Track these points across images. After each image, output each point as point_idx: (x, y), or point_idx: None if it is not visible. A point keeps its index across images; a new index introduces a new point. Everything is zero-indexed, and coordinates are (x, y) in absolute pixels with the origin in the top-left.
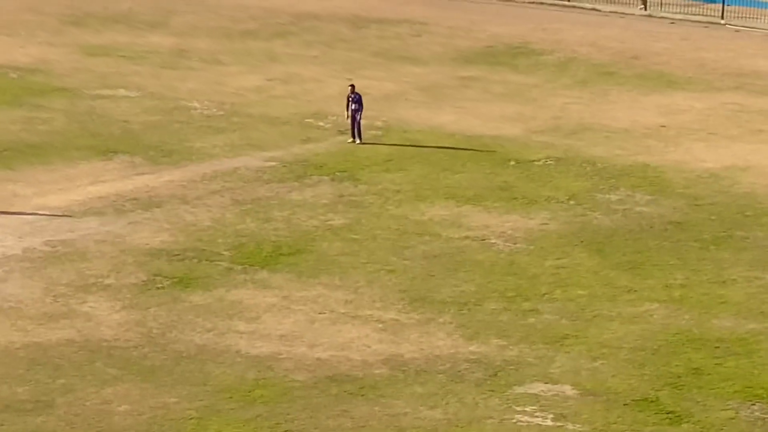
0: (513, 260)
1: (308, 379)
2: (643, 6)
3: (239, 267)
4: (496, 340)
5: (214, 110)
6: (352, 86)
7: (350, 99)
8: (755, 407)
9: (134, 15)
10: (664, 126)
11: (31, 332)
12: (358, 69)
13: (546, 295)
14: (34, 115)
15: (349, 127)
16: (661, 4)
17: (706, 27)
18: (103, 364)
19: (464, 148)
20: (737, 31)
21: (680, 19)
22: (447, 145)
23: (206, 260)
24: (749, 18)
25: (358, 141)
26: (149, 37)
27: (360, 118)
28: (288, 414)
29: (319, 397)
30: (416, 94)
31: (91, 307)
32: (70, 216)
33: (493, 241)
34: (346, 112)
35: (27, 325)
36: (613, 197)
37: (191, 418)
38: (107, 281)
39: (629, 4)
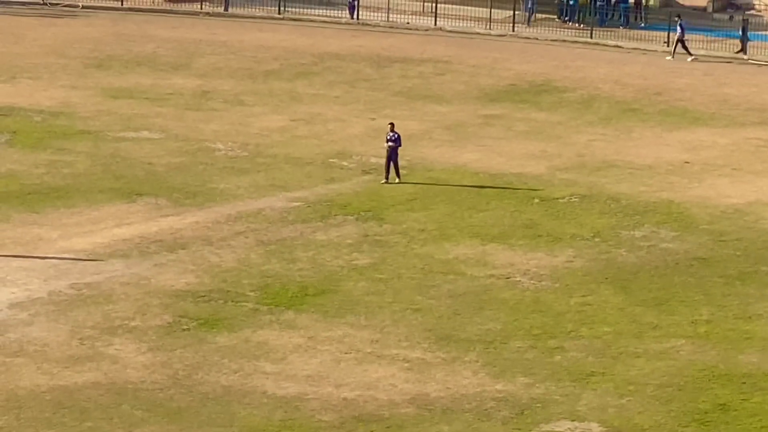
0: (538, 298)
1: (335, 419)
2: (666, 42)
3: (265, 308)
4: (522, 378)
5: (238, 151)
6: (392, 124)
7: (388, 138)
8: None
9: (157, 57)
10: (688, 162)
11: (57, 375)
12: (381, 108)
13: (572, 333)
14: (57, 158)
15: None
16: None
17: (728, 62)
18: (130, 406)
19: (488, 186)
20: (760, 66)
21: (702, 55)
22: (471, 184)
23: (231, 301)
24: None
25: (397, 180)
26: (172, 78)
27: (396, 157)
28: None
29: None
30: (440, 133)
31: (117, 349)
32: (95, 259)
33: (518, 279)
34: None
35: (53, 369)
36: (638, 234)
37: None
38: (133, 323)
39: (652, 40)
